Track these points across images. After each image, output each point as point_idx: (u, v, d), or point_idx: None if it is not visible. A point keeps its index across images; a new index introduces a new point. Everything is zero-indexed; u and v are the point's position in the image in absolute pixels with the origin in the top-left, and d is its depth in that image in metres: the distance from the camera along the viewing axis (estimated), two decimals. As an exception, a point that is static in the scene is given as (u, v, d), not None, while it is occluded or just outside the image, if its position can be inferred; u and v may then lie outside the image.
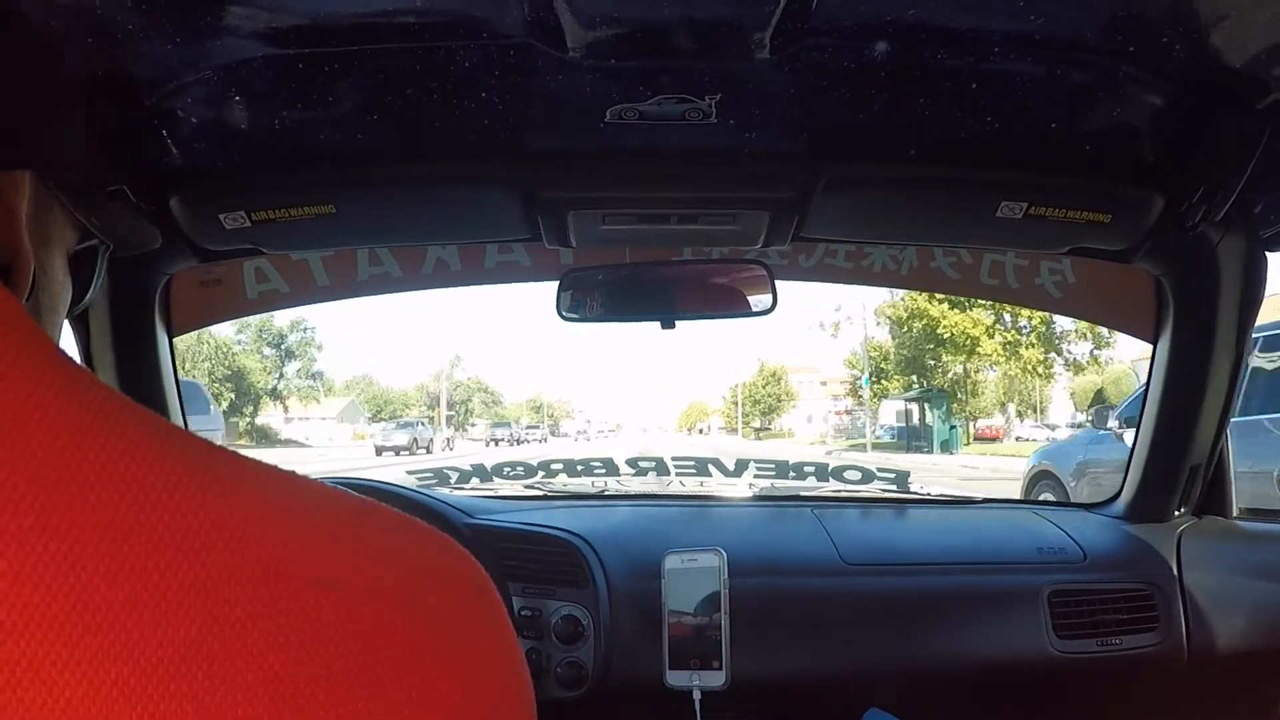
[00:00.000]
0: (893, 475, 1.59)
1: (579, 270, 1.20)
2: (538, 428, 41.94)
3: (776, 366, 49.57)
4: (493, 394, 55.31)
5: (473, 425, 46.91)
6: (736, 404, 51.36)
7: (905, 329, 23.42)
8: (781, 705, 1.15)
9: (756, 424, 49.69)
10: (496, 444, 30.67)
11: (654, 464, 1.73)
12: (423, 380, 50.95)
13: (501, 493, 1.52)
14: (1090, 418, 6.74)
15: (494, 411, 53.20)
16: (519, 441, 32.94)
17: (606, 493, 1.54)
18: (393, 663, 0.24)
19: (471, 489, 1.55)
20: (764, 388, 48.52)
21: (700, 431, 59.37)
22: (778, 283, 1.15)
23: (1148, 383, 1.25)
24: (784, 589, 1.16)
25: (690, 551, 1.03)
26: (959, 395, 23.58)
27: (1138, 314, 1.25)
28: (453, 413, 46.58)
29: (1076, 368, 21.57)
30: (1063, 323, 19.70)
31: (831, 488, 1.59)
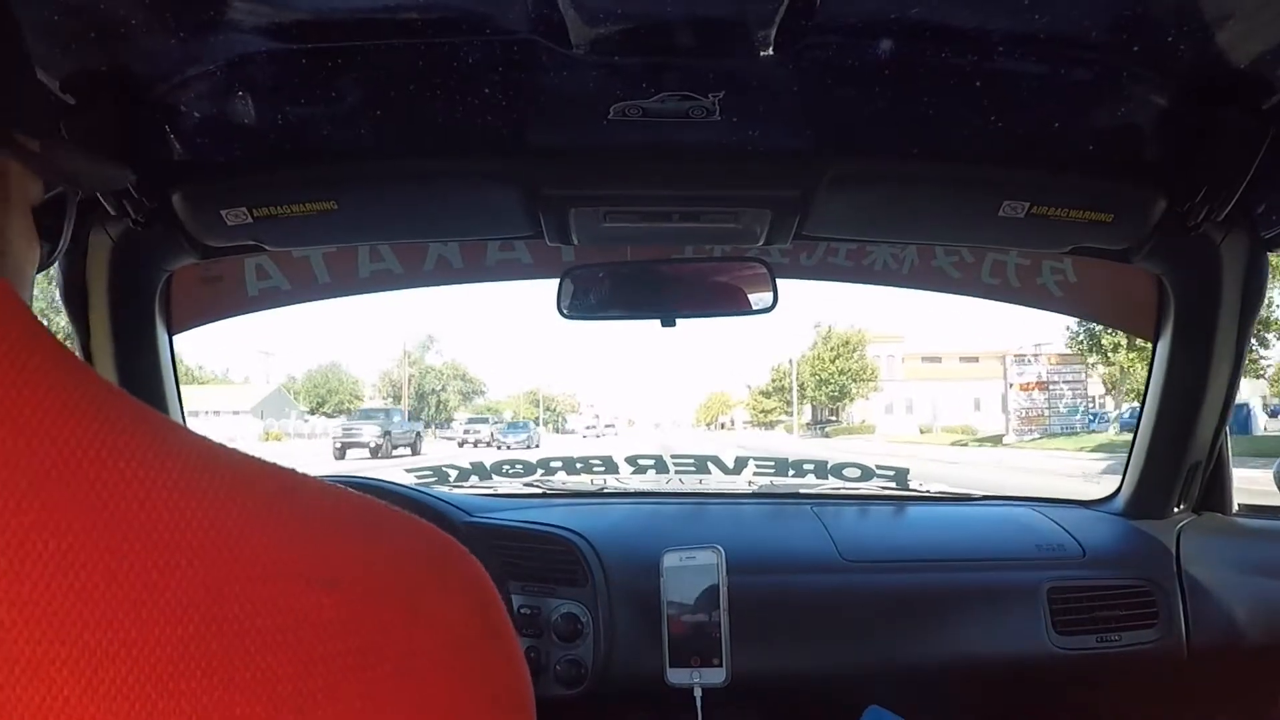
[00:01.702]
0: (892, 472, 1.59)
1: (580, 267, 1.20)
2: (485, 421, 28.70)
3: (849, 333, 33.62)
4: (473, 382, 46.45)
5: (456, 421, 35.36)
6: (788, 389, 34.95)
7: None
8: (782, 702, 1.15)
9: (809, 417, 34.71)
10: (374, 454, 16.66)
11: (653, 461, 1.73)
12: (387, 367, 43.21)
13: (500, 491, 1.52)
14: None
15: (475, 404, 45.11)
16: (404, 448, 18.42)
17: (605, 490, 1.54)
18: (391, 660, 0.24)
19: (470, 487, 1.55)
20: (832, 362, 32.85)
21: (722, 426, 52.99)
22: (778, 281, 1.15)
23: (1148, 381, 1.25)
24: (783, 586, 1.16)
25: (689, 549, 1.03)
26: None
27: (1139, 314, 1.25)
28: (421, 405, 39.22)
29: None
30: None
31: (830, 485, 1.59)
